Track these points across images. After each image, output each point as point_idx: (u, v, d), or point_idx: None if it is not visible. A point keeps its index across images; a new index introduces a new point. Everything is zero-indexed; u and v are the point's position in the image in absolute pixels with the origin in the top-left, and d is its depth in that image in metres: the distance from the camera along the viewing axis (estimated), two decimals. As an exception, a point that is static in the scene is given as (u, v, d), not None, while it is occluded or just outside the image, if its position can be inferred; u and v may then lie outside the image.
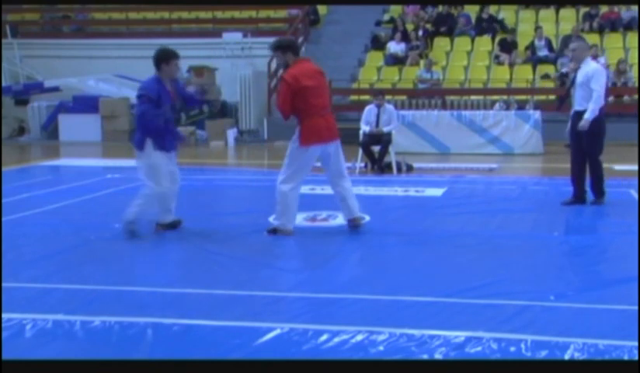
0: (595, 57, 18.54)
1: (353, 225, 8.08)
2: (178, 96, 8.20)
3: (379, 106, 13.38)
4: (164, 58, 7.87)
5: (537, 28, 20.43)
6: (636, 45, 19.42)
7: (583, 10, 21.47)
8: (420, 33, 21.24)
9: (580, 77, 9.41)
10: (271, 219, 8.30)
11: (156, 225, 8.11)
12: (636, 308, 5.16)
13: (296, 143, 7.76)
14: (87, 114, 20.28)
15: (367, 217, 8.49)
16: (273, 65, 20.57)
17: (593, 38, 20.16)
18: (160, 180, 7.86)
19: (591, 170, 9.63)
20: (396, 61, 20.69)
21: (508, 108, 17.41)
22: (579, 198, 9.63)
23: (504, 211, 9.30)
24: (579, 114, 9.42)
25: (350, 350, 4.53)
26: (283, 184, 7.85)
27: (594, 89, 9.25)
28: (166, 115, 7.88)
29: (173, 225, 8.16)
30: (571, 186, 9.71)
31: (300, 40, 22.08)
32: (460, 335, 4.68)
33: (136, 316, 5.12)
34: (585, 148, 9.52)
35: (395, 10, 22.91)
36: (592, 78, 9.30)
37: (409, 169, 13.44)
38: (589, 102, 9.28)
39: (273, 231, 7.94)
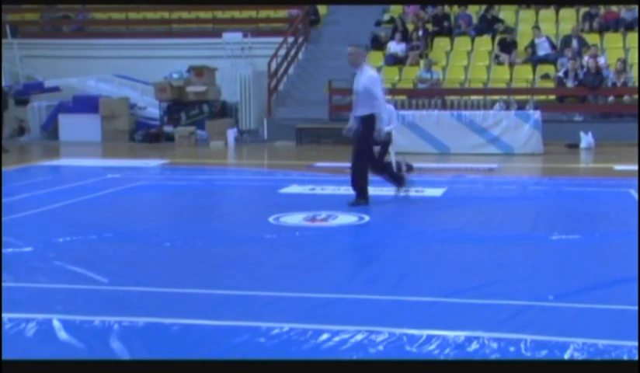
0: (594, 57, 18.60)
1: None
2: None
3: (379, 106, 13.35)
4: None
5: (534, 28, 20.40)
6: (636, 45, 19.39)
7: (583, 10, 21.46)
8: (420, 33, 21.21)
9: (359, 84, 9.44)
10: None
11: None
12: (636, 308, 5.16)
13: None
14: (87, 114, 20.25)
15: None
16: (273, 65, 20.59)
17: (593, 38, 20.17)
18: None
19: (356, 168, 9.57)
20: (396, 60, 20.67)
21: (508, 108, 17.40)
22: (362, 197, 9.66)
23: (504, 211, 9.30)
24: (361, 119, 9.44)
25: (350, 349, 4.53)
26: None
27: (377, 97, 9.35)
28: None
29: None
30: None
31: (301, 39, 22.09)
32: (460, 335, 4.67)
33: (136, 316, 5.12)
34: (357, 148, 9.54)
35: (395, 10, 22.89)
36: (372, 85, 9.38)
37: (409, 169, 13.43)
38: (369, 107, 9.33)
39: None
